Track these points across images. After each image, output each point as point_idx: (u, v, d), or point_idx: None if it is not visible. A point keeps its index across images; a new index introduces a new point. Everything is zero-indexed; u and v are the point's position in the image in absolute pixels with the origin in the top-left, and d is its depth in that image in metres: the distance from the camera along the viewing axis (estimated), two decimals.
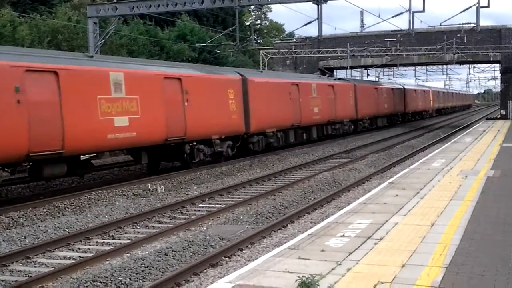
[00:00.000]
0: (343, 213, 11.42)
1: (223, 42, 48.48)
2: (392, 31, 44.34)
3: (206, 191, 18.02)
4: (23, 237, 12.38)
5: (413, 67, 75.35)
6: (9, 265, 10.47)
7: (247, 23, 71.06)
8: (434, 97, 72.81)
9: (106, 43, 38.39)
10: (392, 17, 38.21)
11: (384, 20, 42.16)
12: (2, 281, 9.70)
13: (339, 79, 46.16)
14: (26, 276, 9.88)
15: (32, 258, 10.98)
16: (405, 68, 73.43)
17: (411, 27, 33.53)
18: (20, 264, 10.66)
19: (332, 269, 7.52)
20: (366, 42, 52.44)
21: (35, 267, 10.53)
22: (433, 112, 73.32)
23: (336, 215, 11.28)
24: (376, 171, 21.84)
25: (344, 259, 7.97)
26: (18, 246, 11.80)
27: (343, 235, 9.36)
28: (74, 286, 9.05)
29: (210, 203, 16.46)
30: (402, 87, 58.51)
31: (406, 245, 8.61)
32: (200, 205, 16.26)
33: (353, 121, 40.99)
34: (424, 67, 75.97)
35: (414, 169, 18.01)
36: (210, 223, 13.85)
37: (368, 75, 68.52)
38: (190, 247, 11.34)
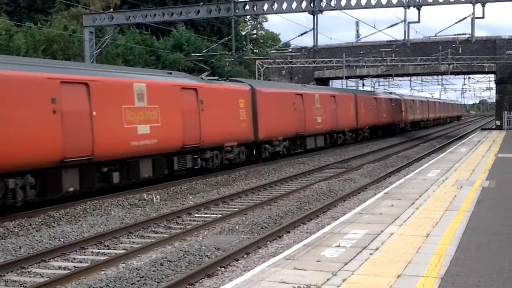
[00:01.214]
0: (339, 223, 11.43)
1: (219, 51, 48.61)
2: (387, 41, 44.58)
3: (201, 201, 18.01)
4: (18, 247, 12.34)
5: (409, 78, 75.66)
6: (4, 275, 10.43)
7: (243, 33, 71.23)
8: (407, 108, 60.19)
9: (102, 52, 38.45)
10: (388, 27, 38.16)
11: (380, 31, 42.51)
12: None
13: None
14: (21, 287, 9.85)
15: (27, 268, 10.93)
16: (400, 78, 73.69)
17: (407, 38, 33.64)
18: (15, 274, 10.61)
19: (328, 280, 7.52)
20: (361, 52, 52.68)
21: (30, 277, 10.49)
22: (407, 125, 61.11)
23: (331, 225, 11.29)
24: (371, 181, 21.87)
25: (339, 270, 7.98)
26: (13, 256, 11.75)
27: (339, 246, 9.37)
28: None
29: (205, 213, 16.45)
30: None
31: (401, 256, 8.62)
32: (196, 215, 16.24)
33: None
34: (419, 77, 76.31)
35: (409, 179, 18.05)
36: (205, 233, 13.84)
37: (363, 85, 68.78)
38: (185, 257, 11.32)
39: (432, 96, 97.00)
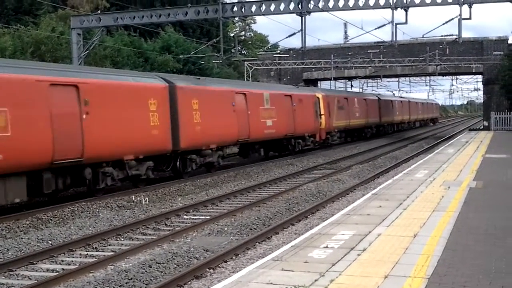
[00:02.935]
0: (327, 224, 11.46)
1: (207, 53, 48.59)
2: (375, 42, 44.72)
3: (190, 203, 18.00)
4: (5, 250, 12.29)
5: (397, 79, 75.99)
6: None
7: (232, 35, 71.29)
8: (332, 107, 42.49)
9: (90, 54, 38.35)
10: (375, 28, 38.39)
11: (367, 32, 42.60)
12: None
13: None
14: None
15: (15, 270, 10.89)
16: (388, 79, 73.99)
17: (394, 39, 33.77)
18: (3, 277, 10.57)
19: (316, 281, 7.55)
20: (349, 53, 52.89)
21: (17, 279, 10.45)
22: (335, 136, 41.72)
23: (320, 226, 11.31)
24: (360, 182, 21.95)
25: (327, 271, 8.00)
26: (0, 258, 11.71)
27: (327, 247, 9.39)
28: None
29: (194, 215, 16.45)
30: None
31: (389, 256, 8.66)
32: (185, 216, 16.24)
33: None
34: (407, 78, 76.67)
35: (397, 180, 18.11)
36: (194, 234, 13.84)
37: (352, 86, 68.98)
38: (174, 258, 11.33)
39: (394, 94, 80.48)
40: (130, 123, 19.32)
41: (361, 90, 70.90)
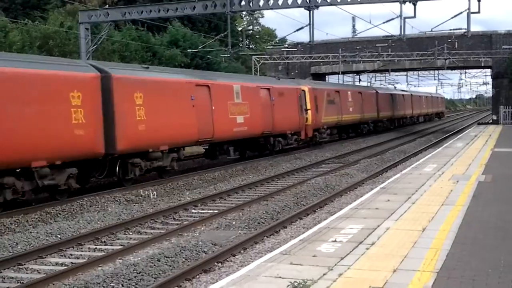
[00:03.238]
0: (335, 218, 11.45)
1: (215, 47, 48.53)
2: (383, 36, 44.44)
3: (198, 197, 18.02)
4: (15, 244, 12.33)
5: (405, 73, 75.74)
6: (1, 272, 10.43)
7: (239, 29, 71.20)
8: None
9: (98, 49, 38.37)
10: (383, 22, 38.04)
11: (376, 26, 42.20)
12: None
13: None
14: (18, 283, 9.84)
15: (24, 264, 10.94)
16: (396, 73, 73.74)
17: (403, 33, 33.60)
18: (12, 271, 10.62)
19: (324, 274, 7.54)
20: (357, 47, 52.70)
21: (27, 273, 10.49)
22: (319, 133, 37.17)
23: (328, 220, 11.30)
24: (368, 176, 21.90)
25: (335, 264, 8.00)
26: (10, 252, 11.75)
27: (335, 240, 9.38)
28: None
29: (202, 209, 16.46)
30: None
31: (397, 250, 8.64)
32: (193, 210, 16.25)
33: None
34: (415, 72, 76.38)
35: (406, 174, 18.07)
36: (202, 228, 13.85)
37: (360, 80, 68.80)
38: (182, 252, 11.34)
39: (395, 87, 77.91)
40: (41, 121, 15.69)
41: (369, 84, 70.47)
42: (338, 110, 38.92)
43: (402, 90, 67.29)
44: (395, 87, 76.05)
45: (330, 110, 37.03)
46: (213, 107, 23.55)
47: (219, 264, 10.65)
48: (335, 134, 40.35)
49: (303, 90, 33.38)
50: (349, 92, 42.65)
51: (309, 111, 33.42)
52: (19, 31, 38.15)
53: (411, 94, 65.61)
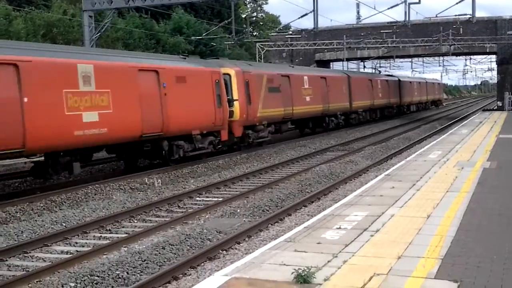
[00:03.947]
0: (340, 205, 11.45)
1: (219, 34, 48.44)
2: (388, 22, 44.40)
3: (203, 185, 18.04)
4: (20, 232, 12.38)
5: (410, 59, 75.52)
6: (6, 260, 10.47)
7: (243, 16, 71.01)
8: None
9: (102, 36, 38.33)
10: (388, 8, 38.25)
11: (380, 12, 42.22)
12: (0, 275, 9.71)
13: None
14: (23, 271, 9.88)
15: (30, 252, 10.97)
16: (401, 60, 73.52)
17: (407, 19, 33.52)
18: (18, 259, 10.66)
19: (328, 262, 7.54)
20: (362, 34, 52.48)
21: (32, 261, 10.53)
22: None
23: (332, 208, 11.30)
24: (373, 163, 21.88)
25: (340, 251, 8.00)
26: (15, 240, 11.79)
27: (340, 228, 9.38)
28: (71, 280, 9.06)
29: (207, 197, 16.48)
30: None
31: (402, 237, 8.64)
32: (197, 198, 16.27)
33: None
34: (420, 59, 76.16)
35: (410, 161, 18.04)
36: (207, 216, 13.87)
37: (364, 67, 68.60)
38: (187, 240, 11.37)
39: (379, 71, 69.57)
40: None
41: (374, 71, 70.06)
42: (286, 100, 30.20)
43: (388, 75, 58.99)
44: (378, 72, 69.07)
45: (272, 101, 28.44)
46: (26, 99, 14.84)
47: (224, 251, 10.68)
48: (286, 130, 32.20)
49: (227, 74, 25.20)
50: (305, 77, 33.52)
51: (236, 103, 25.24)
52: (23, 19, 38.13)
53: (399, 80, 57.32)
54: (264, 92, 27.86)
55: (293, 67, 36.83)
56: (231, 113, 24.80)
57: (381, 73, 63.68)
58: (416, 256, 7.63)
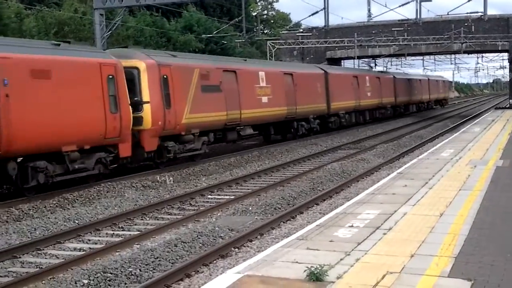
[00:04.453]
0: (352, 203, 11.43)
1: (229, 33, 48.39)
2: (399, 20, 44.21)
3: (214, 182, 18.06)
4: (33, 229, 12.45)
5: (421, 57, 75.25)
6: (20, 257, 10.54)
7: (254, 14, 70.92)
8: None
9: (113, 34, 38.41)
10: (399, 6, 37.99)
11: (391, 10, 41.99)
12: (13, 272, 9.77)
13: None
14: (36, 268, 9.94)
15: (43, 249, 11.04)
16: (413, 58, 73.26)
17: (419, 17, 33.37)
18: (31, 256, 10.72)
19: (341, 260, 7.53)
20: (373, 32, 52.30)
21: (45, 258, 10.60)
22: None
23: (344, 206, 11.29)
24: (384, 162, 21.83)
25: (352, 250, 7.99)
26: (28, 238, 11.87)
27: (352, 226, 9.37)
28: (84, 277, 9.10)
29: (219, 194, 16.50)
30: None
31: (415, 235, 8.61)
32: (209, 196, 16.29)
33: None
34: (432, 57, 75.86)
35: (422, 159, 17.98)
36: (219, 214, 13.89)
37: (375, 65, 68.36)
38: (199, 238, 11.39)
39: (373, 67, 64.52)
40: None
41: (385, 69, 69.74)
42: (232, 101, 24.11)
43: (380, 72, 53.60)
44: (373, 67, 64.41)
45: (208, 103, 22.28)
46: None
47: (236, 249, 10.68)
48: (235, 139, 25.54)
49: (134, 68, 19.36)
50: (260, 73, 27.28)
51: (146, 106, 19.34)
52: (34, 18, 38.28)
53: (394, 77, 50.84)
54: (194, 91, 21.59)
55: (245, 60, 30.46)
56: (138, 120, 18.88)
57: (390, 71, 59.24)
58: (429, 255, 7.61)
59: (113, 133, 17.47)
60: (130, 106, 18.25)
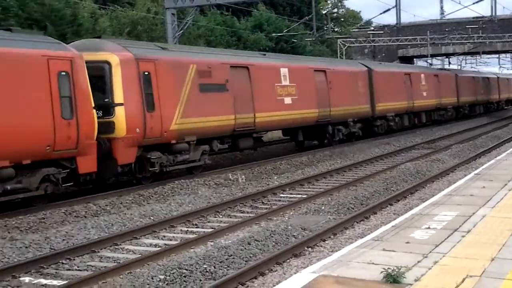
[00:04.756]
0: (428, 204, 11.22)
1: (299, 31, 48.29)
2: (473, 17, 43.10)
3: (286, 181, 18.07)
4: (110, 224, 12.76)
5: (497, 55, 73.24)
6: (98, 251, 10.83)
7: (324, 12, 70.56)
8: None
9: (184, 34, 38.95)
10: (473, 3, 36.90)
11: (465, 7, 40.74)
12: (92, 266, 10.04)
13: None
14: (114, 262, 10.19)
15: (120, 244, 11.31)
16: (488, 56, 71.38)
17: (494, 14, 32.45)
18: (109, 251, 11.00)
19: (418, 262, 7.39)
20: (446, 29, 51.26)
21: (122, 253, 10.85)
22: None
23: (420, 207, 11.09)
24: (460, 162, 21.32)
25: (430, 252, 7.83)
26: (106, 233, 12.17)
27: (429, 227, 9.18)
28: (160, 272, 9.24)
29: (291, 193, 16.50)
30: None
31: (494, 238, 8.37)
32: (281, 195, 16.31)
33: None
34: (508, 55, 73.73)
35: (500, 160, 17.48)
36: (291, 213, 13.89)
37: (449, 63, 66.92)
38: (272, 236, 11.40)
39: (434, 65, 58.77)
40: None
41: (459, 67, 68.10)
42: (243, 103, 20.85)
43: (440, 69, 48.91)
44: (460, 68, 60.37)
45: (208, 105, 19.14)
46: None
47: (309, 248, 10.65)
48: (250, 147, 22.61)
49: (105, 62, 16.26)
50: (282, 70, 23.61)
51: (119, 109, 16.12)
52: (108, 17, 39.23)
53: (456, 74, 46.31)
54: (188, 91, 18.40)
55: (265, 54, 26.38)
56: (109, 126, 15.83)
57: (451, 69, 54.26)
58: (510, 258, 7.38)
59: (66, 144, 14.13)
60: (94, 110, 14.99)
